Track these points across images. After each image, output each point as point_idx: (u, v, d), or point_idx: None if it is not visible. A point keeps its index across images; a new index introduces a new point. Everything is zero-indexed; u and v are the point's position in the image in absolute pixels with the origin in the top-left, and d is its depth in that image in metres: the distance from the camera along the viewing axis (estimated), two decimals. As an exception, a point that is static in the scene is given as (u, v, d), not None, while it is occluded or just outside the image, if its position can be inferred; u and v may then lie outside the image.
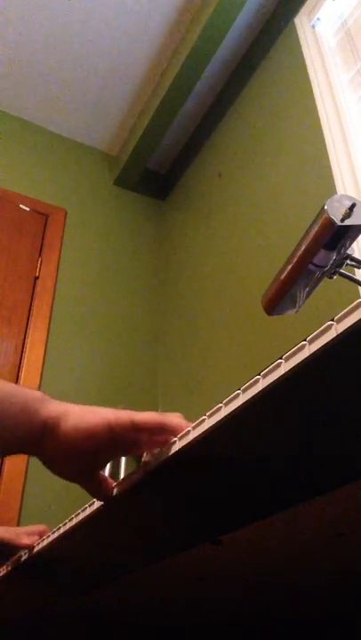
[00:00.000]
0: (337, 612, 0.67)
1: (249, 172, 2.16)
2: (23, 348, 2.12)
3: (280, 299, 0.88)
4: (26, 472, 1.85)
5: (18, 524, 1.75)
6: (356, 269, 0.88)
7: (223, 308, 2.06)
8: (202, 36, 2.19)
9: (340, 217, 0.78)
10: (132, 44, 2.45)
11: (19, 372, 2.05)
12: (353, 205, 0.78)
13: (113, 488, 0.53)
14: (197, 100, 2.58)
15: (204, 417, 0.41)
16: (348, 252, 0.84)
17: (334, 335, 0.30)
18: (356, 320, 0.29)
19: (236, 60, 2.45)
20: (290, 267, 0.85)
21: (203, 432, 0.40)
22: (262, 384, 0.34)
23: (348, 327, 0.29)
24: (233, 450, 0.40)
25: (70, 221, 2.55)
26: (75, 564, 0.68)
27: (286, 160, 1.92)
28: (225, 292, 2.09)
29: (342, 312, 0.30)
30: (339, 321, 0.30)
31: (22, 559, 0.76)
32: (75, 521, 0.58)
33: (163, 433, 0.49)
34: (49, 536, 0.67)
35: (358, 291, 1.27)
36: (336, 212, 0.78)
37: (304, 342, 0.32)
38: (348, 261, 0.85)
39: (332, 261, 0.83)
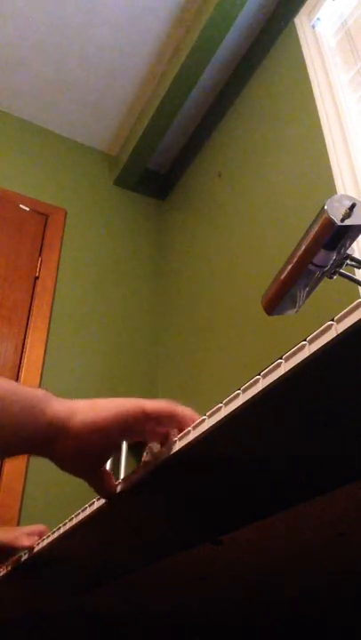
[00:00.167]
0: (337, 612, 0.67)
1: (249, 172, 2.16)
2: (23, 348, 2.12)
3: (280, 299, 0.88)
4: (26, 472, 1.85)
5: (18, 524, 1.75)
6: (356, 269, 0.88)
7: (223, 308, 2.06)
8: (202, 36, 2.19)
9: (340, 217, 0.78)
10: (132, 44, 2.45)
11: (19, 372, 2.05)
12: (353, 205, 0.78)
13: (116, 485, 0.52)
14: (197, 100, 2.58)
15: (204, 417, 0.41)
16: (349, 252, 0.84)
17: (334, 335, 0.30)
18: (356, 320, 0.29)
19: (236, 60, 2.45)
20: (290, 267, 0.85)
21: (203, 432, 0.40)
22: (262, 384, 0.34)
23: (348, 327, 0.29)
24: (233, 450, 0.40)
25: (70, 221, 2.55)
26: (75, 563, 0.68)
27: (286, 160, 1.92)
28: (225, 292, 2.09)
29: (342, 312, 0.30)
30: (339, 321, 0.30)
31: (22, 559, 0.76)
32: (75, 521, 0.57)
33: (171, 423, 0.48)
34: (49, 536, 0.67)
35: (358, 291, 1.27)
36: (336, 212, 0.78)
37: (304, 342, 0.32)
38: (348, 261, 0.85)
39: (332, 261, 0.83)
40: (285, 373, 0.33)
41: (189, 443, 0.42)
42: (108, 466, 0.53)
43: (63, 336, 2.23)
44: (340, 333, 0.29)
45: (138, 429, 0.50)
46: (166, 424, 0.49)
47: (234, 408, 0.37)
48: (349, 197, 0.79)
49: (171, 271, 2.61)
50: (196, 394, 2.03)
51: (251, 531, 0.41)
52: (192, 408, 0.50)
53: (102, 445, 0.50)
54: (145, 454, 0.50)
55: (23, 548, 0.80)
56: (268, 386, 0.34)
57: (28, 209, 2.47)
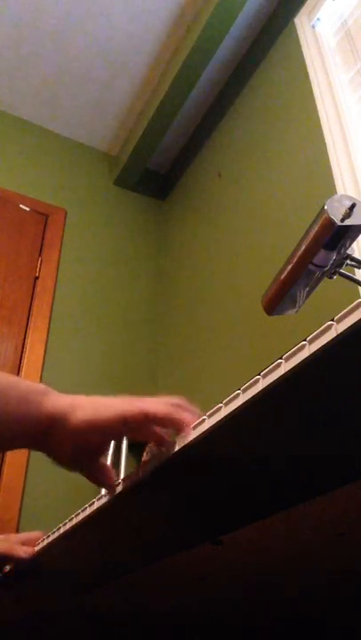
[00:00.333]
0: (337, 612, 0.67)
1: (249, 172, 2.16)
2: (23, 347, 2.12)
3: (280, 299, 0.88)
4: (26, 472, 1.85)
5: (18, 524, 1.75)
6: (356, 269, 0.88)
7: (223, 308, 2.06)
8: (202, 36, 2.19)
9: (340, 217, 0.78)
10: (132, 44, 2.45)
11: (19, 371, 2.05)
12: (353, 205, 0.78)
13: (115, 479, 0.52)
14: (197, 100, 2.59)
15: (204, 417, 0.41)
16: (349, 252, 0.84)
17: (334, 335, 0.30)
18: (356, 320, 0.29)
19: (236, 60, 2.45)
20: (290, 267, 0.85)
21: (203, 432, 0.40)
22: (262, 384, 0.34)
23: (348, 327, 0.29)
24: (233, 450, 0.40)
25: (70, 221, 2.55)
26: (75, 563, 0.68)
27: (286, 160, 1.92)
28: (225, 292, 2.09)
29: (342, 312, 0.30)
30: (339, 321, 0.30)
31: (19, 565, 0.76)
32: (75, 521, 0.57)
33: (172, 427, 0.48)
34: (49, 536, 0.67)
35: (358, 291, 1.27)
36: (336, 212, 0.78)
37: (304, 342, 0.32)
38: (348, 261, 0.85)
39: (332, 261, 0.83)
40: (285, 373, 0.33)
41: (189, 443, 0.42)
42: (108, 463, 0.53)
43: (63, 336, 2.23)
44: (340, 333, 0.29)
45: (138, 431, 0.50)
46: (167, 427, 0.49)
47: (234, 408, 0.37)
48: (349, 197, 0.79)
49: (171, 271, 2.61)
50: (196, 394, 2.03)
51: (251, 531, 0.41)
52: (192, 408, 0.50)
53: (99, 443, 0.50)
54: (145, 454, 0.50)
55: (19, 559, 0.79)
56: (268, 386, 0.34)
57: (28, 209, 2.47)
